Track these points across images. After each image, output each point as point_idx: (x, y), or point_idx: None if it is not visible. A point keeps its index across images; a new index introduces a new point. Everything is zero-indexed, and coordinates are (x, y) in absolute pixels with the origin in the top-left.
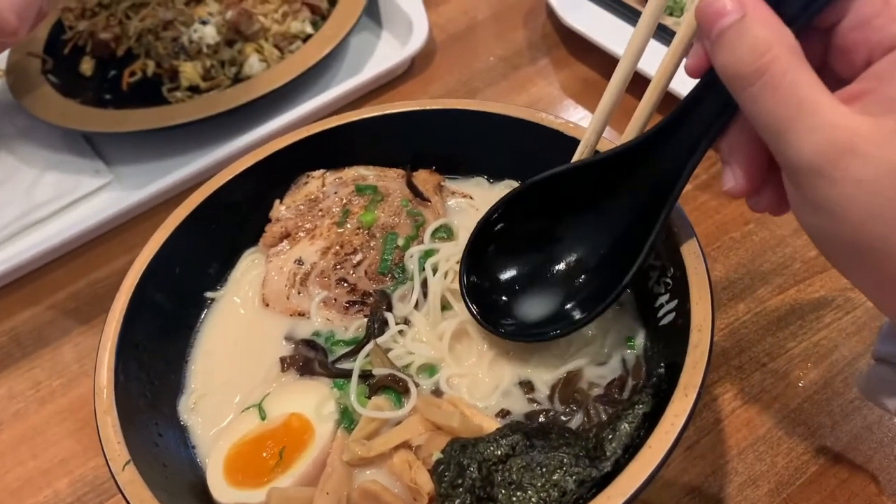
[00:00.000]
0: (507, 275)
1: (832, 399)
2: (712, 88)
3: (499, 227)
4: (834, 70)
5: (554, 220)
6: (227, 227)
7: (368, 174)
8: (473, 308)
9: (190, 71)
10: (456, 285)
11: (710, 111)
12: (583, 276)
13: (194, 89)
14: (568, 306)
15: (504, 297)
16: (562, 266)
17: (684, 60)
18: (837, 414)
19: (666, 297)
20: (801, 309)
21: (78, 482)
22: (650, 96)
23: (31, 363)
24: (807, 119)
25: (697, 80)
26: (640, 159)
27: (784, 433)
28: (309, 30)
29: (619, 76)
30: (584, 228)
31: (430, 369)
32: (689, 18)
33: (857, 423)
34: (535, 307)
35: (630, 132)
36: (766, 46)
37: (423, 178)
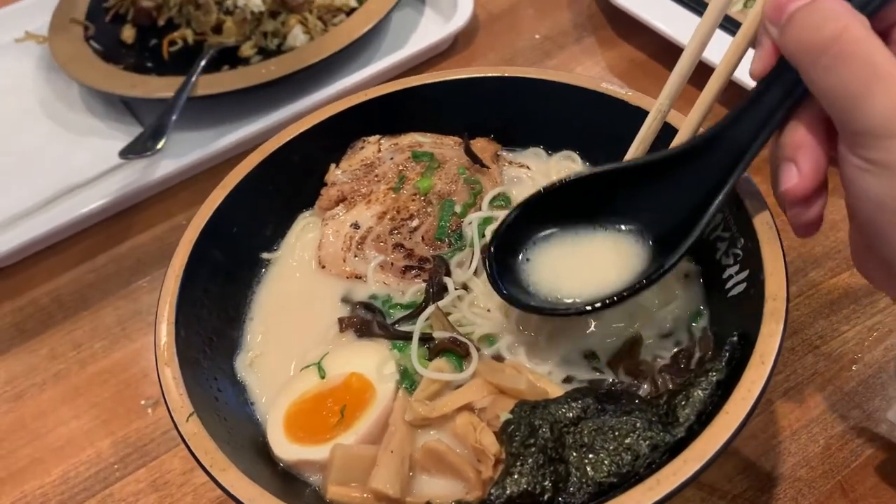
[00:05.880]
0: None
1: (887, 383)
2: (773, 84)
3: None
4: None
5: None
6: (283, 188)
7: (425, 141)
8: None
9: (232, 27)
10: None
11: (770, 104)
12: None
13: (235, 57)
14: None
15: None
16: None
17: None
18: (893, 398)
19: (735, 268)
20: (854, 293)
21: (121, 443)
22: (713, 85)
23: (72, 325)
24: (881, 83)
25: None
26: (693, 159)
27: (838, 416)
28: (353, 3)
29: (685, 62)
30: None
31: (490, 339)
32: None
33: None
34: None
35: (693, 116)
36: (837, 15)
37: (482, 145)
